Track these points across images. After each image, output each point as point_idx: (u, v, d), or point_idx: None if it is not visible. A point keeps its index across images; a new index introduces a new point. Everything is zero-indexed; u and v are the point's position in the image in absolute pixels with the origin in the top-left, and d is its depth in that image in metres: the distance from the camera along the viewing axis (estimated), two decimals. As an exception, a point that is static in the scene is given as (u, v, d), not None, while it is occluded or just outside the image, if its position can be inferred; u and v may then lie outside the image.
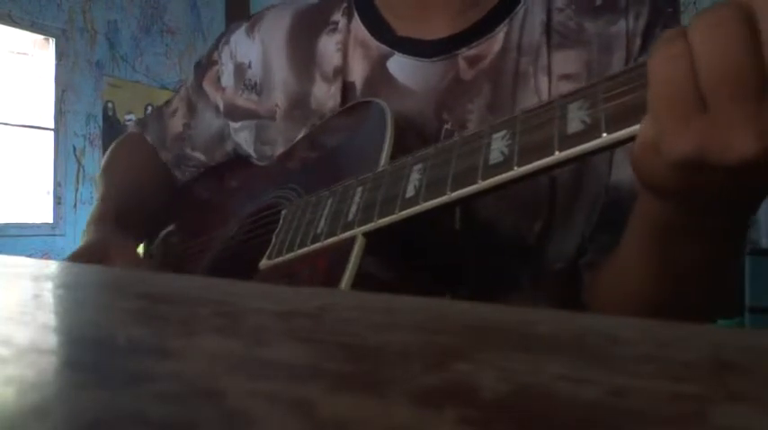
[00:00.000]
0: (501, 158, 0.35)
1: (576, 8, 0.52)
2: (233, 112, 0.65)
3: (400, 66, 0.55)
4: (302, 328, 0.16)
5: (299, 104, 0.59)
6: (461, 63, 0.53)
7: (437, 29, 0.54)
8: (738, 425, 0.09)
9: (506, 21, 0.53)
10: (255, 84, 0.63)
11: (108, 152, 0.76)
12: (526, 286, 0.50)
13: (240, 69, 0.65)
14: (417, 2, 0.56)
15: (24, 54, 3.64)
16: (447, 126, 0.52)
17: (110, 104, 3.94)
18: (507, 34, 0.53)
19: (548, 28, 0.52)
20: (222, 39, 0.69)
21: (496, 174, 0.35)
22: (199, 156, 0.72)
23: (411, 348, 0.14)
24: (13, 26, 3.47)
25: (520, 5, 0.53)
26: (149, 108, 3.92)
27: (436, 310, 0.19)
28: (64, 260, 0.58)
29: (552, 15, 0.52)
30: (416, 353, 0.14)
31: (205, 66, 0.70)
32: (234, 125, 0.66)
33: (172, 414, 0.10)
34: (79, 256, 0.58)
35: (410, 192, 0.39)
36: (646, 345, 0.14)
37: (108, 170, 0.72)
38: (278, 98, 0.61)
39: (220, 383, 0.11)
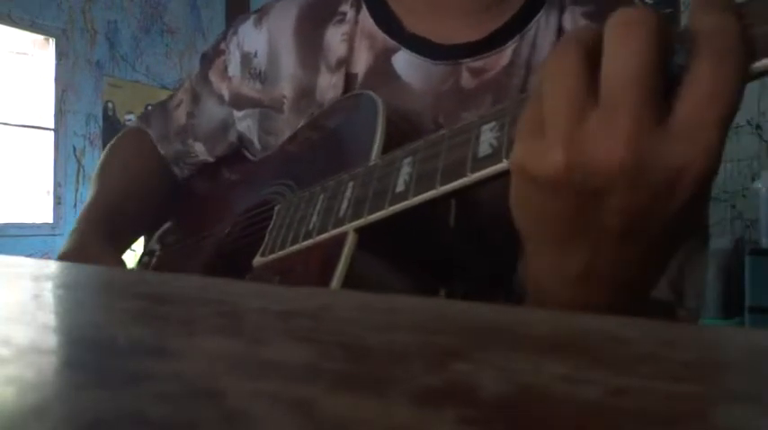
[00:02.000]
0: (490, 151, 0.34)
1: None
2: (238, 101, 0.66)
3: (405, 62, 0.55)
4: (302, 328, 0.16)
5: (306, 95, 0.59)
6: (464, 72, 0.53)
7: (447, 32, 0.54)
8: (738, 425, 0.09)
9: (516, 38, 0.53)
10: (260, 72, 0.64)
11: (106, 149, 0.76)
12: (520, 288, 0.50)
13: (246, 58, 0.66)
14: (430, 2, 0.56)
15: (24, 54, 3.64)
16: (443, 131, 0.52)
17: (110, 104, 3.94)
18: (516, 51, 0.53)
19: None
20: (230, 29, 0.70)
21: (485, 167, 0.34)
22: (200, 147, 0.72)
23: (411, 348, 0.14)
24: (13, 26, 3.47)
25: (532, 23, 0.53)
26: (149, 108, 3.92)
27: (436, 310, 0.19)
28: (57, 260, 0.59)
29: None
30: (416, 353, 0.14)
31: (212, 56, 0.70)
32: (238, 114, 0.66)
33: (172, 414, 0.10)
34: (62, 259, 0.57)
35: (400, 187, 0.39)
36: (646, 345, 0.14)
37: (104, 169, 0.72)
38: (285, 89, 0.61)
39: (220, 383, 0.11)
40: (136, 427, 0.09)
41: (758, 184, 2.63)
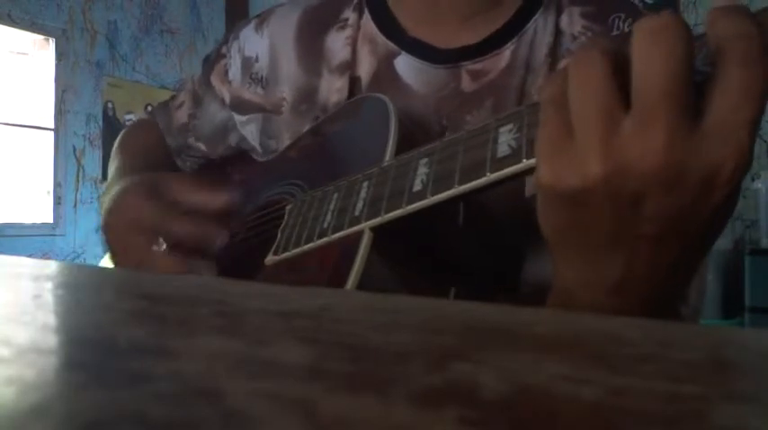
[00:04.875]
0: (509, 151, 0.35)
1: (593, 36, 0.53)
2: (240, 106, 0.66)
3: (407, 66, 0.55)
4: (303, 328, 0.16)
5: (306, 98, 0.59)
6: (464, 75, 0.54)
7: (447, 36, 0.55)
8: (738, 425, 0.09)
9: (514, 39, 0.53)
10: (261, 78, 0.64)
11: (122, 133, 0.77)
12: (527, 289, 0.50)
13: (247, 63, 0.66)
14: (427, 4, 0.56)
15: (24, 54, 3.64)
16: (448, 132, 0.52)
17: (110, 104, 3.94)
18: (514, 52, 0.53)
19: (553, 52, 0.52)
20: (231, 34, 0.70)
21: (505, 167, 0.35)
22: (201, 147, 0.72)
23: (411, 348, 0.14)
24: (13, 26, 3.47)
25: (529, 24, 0.54)
26: (149, 108, 3.92)
27: (437, 310, 0.19)
28: (101, 220, 0.54)
29: (562, 40, 0.53)
30: (417, 353, 0.14)
31: (213, 60, 0.71)
32: (241, 118, 0.66)
33: (172, 414, 0.10)
34: (121, 204, 0.52)
35: (417, 186, 0.39)
36: (646, 345, 0.14)
37: (123, 145, 0.73)
38: (285, 92, 0.61)
39: (220, 383, 0.11)
40: (136, 427, 0.09)
41: (758, 184, 2.63)
